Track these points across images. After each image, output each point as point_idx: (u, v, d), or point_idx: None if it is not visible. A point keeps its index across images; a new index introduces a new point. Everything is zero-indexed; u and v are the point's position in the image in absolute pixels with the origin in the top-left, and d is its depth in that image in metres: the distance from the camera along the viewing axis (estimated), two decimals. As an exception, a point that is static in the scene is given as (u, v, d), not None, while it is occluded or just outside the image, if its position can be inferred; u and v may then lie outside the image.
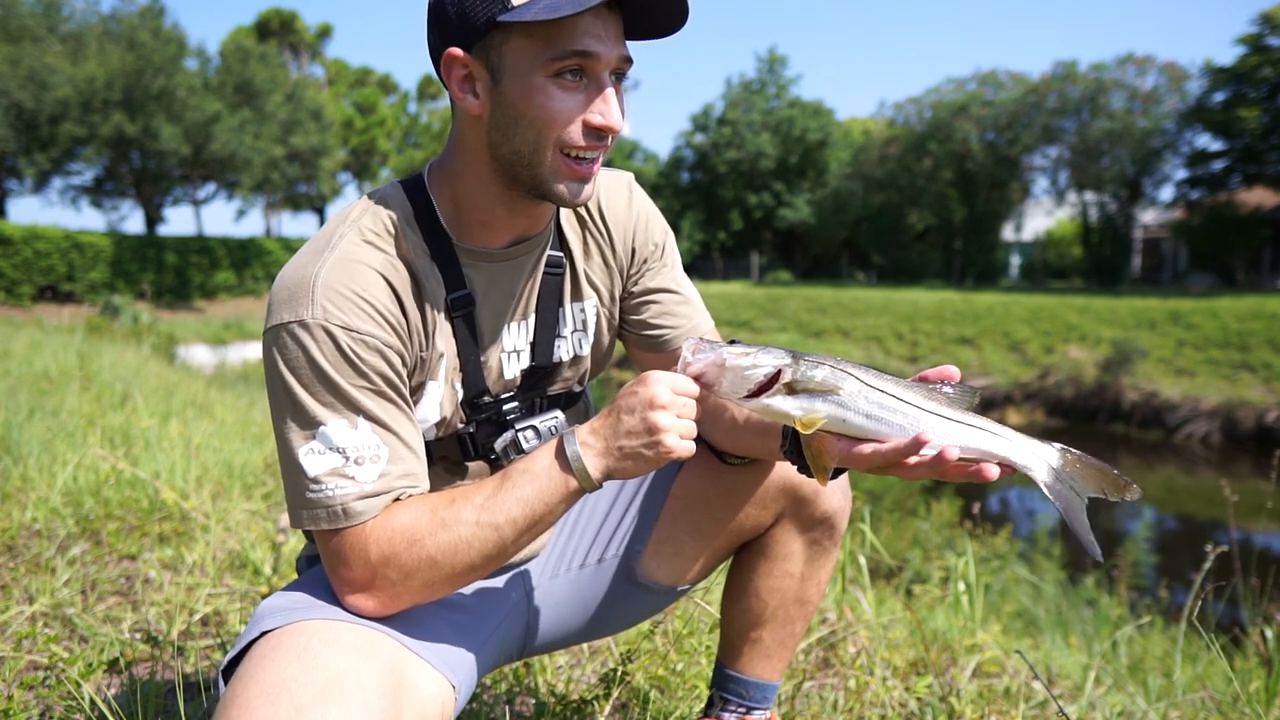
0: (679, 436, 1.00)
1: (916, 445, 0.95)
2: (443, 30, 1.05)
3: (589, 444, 1.02)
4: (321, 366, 1.00)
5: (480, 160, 1.10)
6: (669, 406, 0.99)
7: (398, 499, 1.04)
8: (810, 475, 1.12)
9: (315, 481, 1.00)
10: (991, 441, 0.97)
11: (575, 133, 1.04)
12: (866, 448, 0.99)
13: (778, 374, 0.99)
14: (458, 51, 1.04)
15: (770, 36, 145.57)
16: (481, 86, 1.05)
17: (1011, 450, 0.97)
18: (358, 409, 1.01)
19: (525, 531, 1.04)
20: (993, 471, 0.96)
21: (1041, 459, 0.98)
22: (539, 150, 1.05)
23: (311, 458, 1.00)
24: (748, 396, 1.01)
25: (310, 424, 1.00)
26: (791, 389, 0.99)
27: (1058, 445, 0.99)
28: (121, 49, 27.54)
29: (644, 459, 1.01)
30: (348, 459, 1.00)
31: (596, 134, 1.05)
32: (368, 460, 1.01)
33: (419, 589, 1.03)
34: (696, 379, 1.02)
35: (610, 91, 1.05)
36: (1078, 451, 0.99)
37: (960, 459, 0.96)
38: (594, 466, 1.02)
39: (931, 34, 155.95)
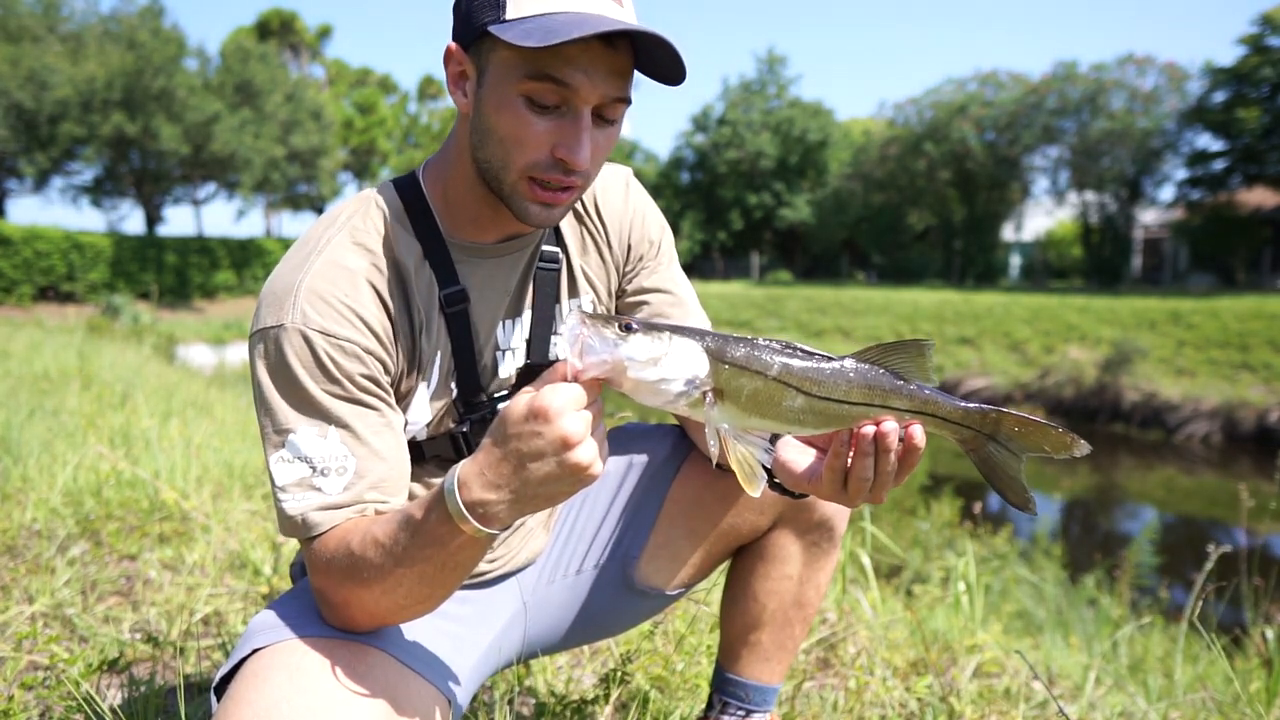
0: (600, 459, 0.87)
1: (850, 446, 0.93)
2: (454, 24, 1.06)
3: (489, 501, 0.87)
4: (295, 372, 0.99)
5: (466, 157, 1.10)
6: (584, 438, 0.84)
7: (360, 512, 1.01)
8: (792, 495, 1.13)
9: (283, 490, 0.99)
10: (928, 424, 0.92)
11: (542, 160, 1.01)
12: (814, 482, 1.00)
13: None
14: (455, 47, 1.04)
15: (770, 36, 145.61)
16: (470, 86, 1.04)
17: (945, 430, 0.93)
18: (329, 417, 1.00)
19: (441, 576, 0.94)
20: (919, 438, 0.92)
21: (974, 432, 0.93)
22: (505, 168, 1.03)
23: (281, 466, 0.99)
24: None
25: (281, 430, 1.00)
26: (717, 396, 0.88)
27: (993, 412, 0.93)
28: (121, 49, 27.55)
29: (569, 494, 0.89)
30: (314, 469, 0.99)
31: (562, 167, 1.01)
32: (334, 472, 0.99)
33: (364, 615, 0.99)
34: (594, 381, 0.86)
35: (583, 126, 0.99)
36: (1017, 414, 0.92)
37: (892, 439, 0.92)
38: (503, 522, 0.89)
39: (931, 34, 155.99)
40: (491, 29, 0.96)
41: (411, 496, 1.17)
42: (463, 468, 0.89)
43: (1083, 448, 0.91)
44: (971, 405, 0.93)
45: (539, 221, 1.06)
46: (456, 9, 1.05)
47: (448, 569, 0.93)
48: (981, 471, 0.96)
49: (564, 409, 0.83)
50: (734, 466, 0.89)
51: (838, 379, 0.89)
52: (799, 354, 0.89)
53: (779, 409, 0.89)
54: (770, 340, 0.89)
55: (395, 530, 0.93)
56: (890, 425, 0.90)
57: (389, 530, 0.94)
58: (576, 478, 0.86)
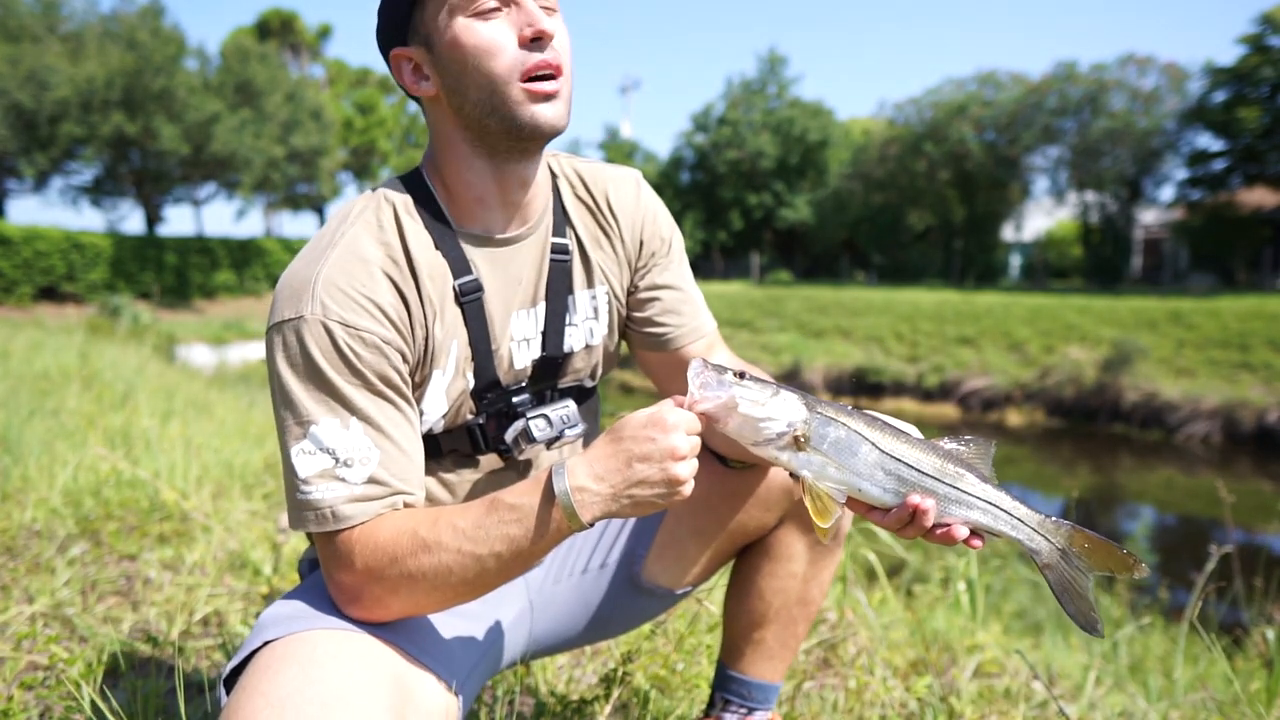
0: (693, 480, 0.97)
1: (920, 519, 0.98)
2: (384, 40, 1.12)
3: (589, 490, 0.96)
4: (317, 363, 1.00)
5: (455, 138, 1.12)
6: (688, 455, 0.95)
7: (391, 505, 1.02)
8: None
9: (305, 483, 1.00)
10: (1000, 521, 0.98)
11: (516, 56, 1.06)
12: (874, 514, 1.02)
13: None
14: (397, 49, 1.11)
15: (770, 36, 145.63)
16: (427, 65, 1.09)
17: (1020, 533, 0.99)
18: (351, 409, 1.01)
19: (510, 565, 0.99)
20: (978, 541, 1.01)
21: (1049, 543, 0.99)
22: (493, 86, 1.06)
23: (303, 458, 1.00)
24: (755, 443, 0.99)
25: (303, 422, 1.00)
26: (801, 443, 0.97)
27: (1066, 525, 0.98)
28: (121, 49, 27.52)
29: (655, 506, 0.97)
30: (338, 460, 1.00)
31: (536, 45, 1.06)
32: (357, 463, 1.00)
33: (405, 605, 1.01)
34: (703, 415, 0.98)
35: (527, 3, 1.06)
36: (1087, 531, 0.98)
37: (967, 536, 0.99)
38: (593, 514, 0.96)
39: (931, 34, 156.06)
40: None
41: (426, 493, 1.17)
42: (571, 459, 0.98)
43: (1142, 570, 0.97)
44: (1047, 515, 0.99)
45: (548, 122, 1.09)
46: (378, 31, 1.12)
47: (520, 557, 0.98)
48: (1053, 589, 1.00)
49: (679, 425, 0.95)
50: (807, 502, 0.99)
51: (912, 445, 0.98)
52: (879, 422, 0.99)
53: (855, 460, 0.98)
54: (856, 408, 1.00)
55: (479, 515, 0.98)
56: (932, 515, 0.98)
57: (472, 515, 0.99)
58: (670, 489, 0.95)
